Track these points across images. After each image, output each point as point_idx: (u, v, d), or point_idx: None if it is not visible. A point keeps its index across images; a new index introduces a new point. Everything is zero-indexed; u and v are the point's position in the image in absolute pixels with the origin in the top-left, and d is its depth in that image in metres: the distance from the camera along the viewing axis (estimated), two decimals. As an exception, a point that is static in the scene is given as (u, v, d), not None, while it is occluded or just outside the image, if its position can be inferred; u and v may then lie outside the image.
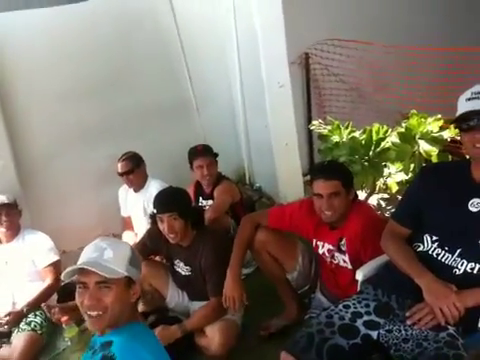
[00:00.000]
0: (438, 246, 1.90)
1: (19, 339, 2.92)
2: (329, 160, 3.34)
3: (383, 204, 4.01)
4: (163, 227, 2.66)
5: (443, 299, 1.77)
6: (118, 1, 4.01)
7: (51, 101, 3.87)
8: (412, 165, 3.35)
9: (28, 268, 3.23)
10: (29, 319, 3.02)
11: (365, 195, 3.80)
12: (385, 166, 3.57)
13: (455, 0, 5.16)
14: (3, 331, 2.99)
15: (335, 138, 3.57)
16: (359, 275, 2.18)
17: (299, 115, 4.52)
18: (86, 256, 1.67)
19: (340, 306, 1.98)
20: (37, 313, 3.07)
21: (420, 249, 1.95)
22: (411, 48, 4.05)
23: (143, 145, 3.87)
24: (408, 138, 3.34)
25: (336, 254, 2.52)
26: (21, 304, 3.10)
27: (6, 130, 3.67)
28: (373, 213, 2.71)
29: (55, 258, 3.26)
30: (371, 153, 3.46)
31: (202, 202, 3.60)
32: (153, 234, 2.87)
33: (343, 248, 2.47)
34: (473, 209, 1.84)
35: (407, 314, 1.84)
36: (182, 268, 2.84)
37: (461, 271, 1.83)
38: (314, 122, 3.90)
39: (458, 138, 2.18)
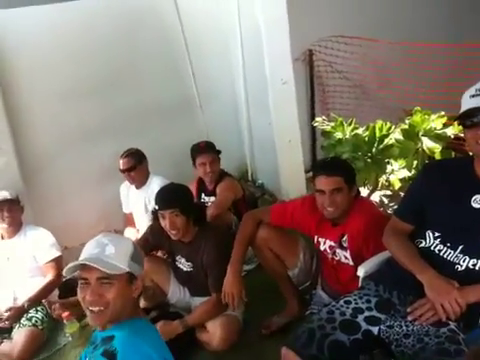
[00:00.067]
0: (440, 242, 1.89)
1: (20, 334, 2.93)
2: (332, 156, 3.33)
3: (386, 201, 4.00)
4: (165, 223, 2.66)
5: (445, 295, 1.76)
6: (122, -1, 4.02)
7: (54, 99, 3.87)
8: (415, 162, 3.34)
9: (29, 264, 3.23)
10: (30, 314, 3.03)
11: (368, 192, 3.80)
12: (388, 163, 3.56)
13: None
14: (4, 326, 3.00)
15: (338, 135, 3.57)
16: (361, 271, 2.17)
17: (302, 112, 4.51)
18: (88, 252, 1.67)
19: (341, 302, 1.98)
20: (38, 309, 3.07)
21: (422, 245, 1.95)
22: (415, 45, 4.03)
23: (146, 142, 3.86)
24: (411, 135, 3.33)
25: (338, 250, 2.51)
26: (22, 300, 3.10)
27: (9, 127, 3.68)
28: (375, 210, 2.69)
29: (57, 254, 3.26)
30: (374, 150, 3.45)
31: (204, 199, 3.60)
32: (155, 230, 2.86)
33: (345, 244, 2.46)
34: (476, 205, 1.83)
35: (408, 310, 1.83)
36: (184, 264, 2.85)
37: (463, 267, 1.82)
38: (317, 119, 3.90)
39: (462, 135, 2.18)
